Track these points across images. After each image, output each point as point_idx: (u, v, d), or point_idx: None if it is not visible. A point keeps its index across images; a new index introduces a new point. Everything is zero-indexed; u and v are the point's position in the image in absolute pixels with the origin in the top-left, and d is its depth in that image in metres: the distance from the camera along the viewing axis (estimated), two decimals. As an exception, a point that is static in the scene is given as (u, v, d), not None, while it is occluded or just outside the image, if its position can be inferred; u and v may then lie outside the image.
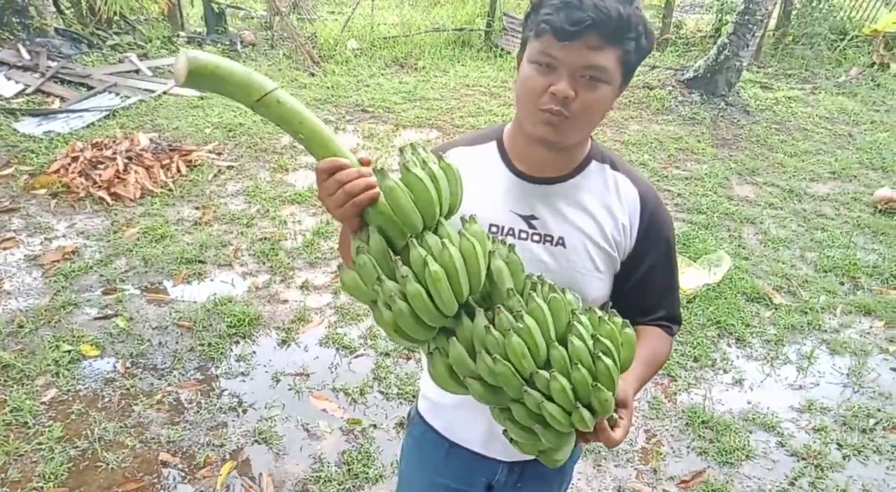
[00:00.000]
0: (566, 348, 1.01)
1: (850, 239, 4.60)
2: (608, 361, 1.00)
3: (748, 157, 5.96)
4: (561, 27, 1.05)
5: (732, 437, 2.86)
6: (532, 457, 1.32)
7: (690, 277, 3.86)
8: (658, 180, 5.30)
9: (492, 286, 1.04)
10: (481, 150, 1.29)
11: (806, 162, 5.94)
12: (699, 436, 2.87)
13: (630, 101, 6.97)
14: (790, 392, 3.18)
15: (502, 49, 8.29)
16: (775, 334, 3.55)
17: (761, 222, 4.78)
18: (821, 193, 5.36)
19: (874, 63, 8.87)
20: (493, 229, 1.22)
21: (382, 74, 7.52)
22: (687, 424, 2.94)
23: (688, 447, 2.82)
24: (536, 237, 1.22)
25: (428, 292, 0.98)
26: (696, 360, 3.32)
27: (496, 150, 1.28)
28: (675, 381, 3.19)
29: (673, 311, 1.36)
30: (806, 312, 3.74)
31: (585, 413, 0.99)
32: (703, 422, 2.93)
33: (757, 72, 8.49)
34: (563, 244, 1.22)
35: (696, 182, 5.33)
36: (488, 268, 1.03)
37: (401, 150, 1.06)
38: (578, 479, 2.62)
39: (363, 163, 1.02)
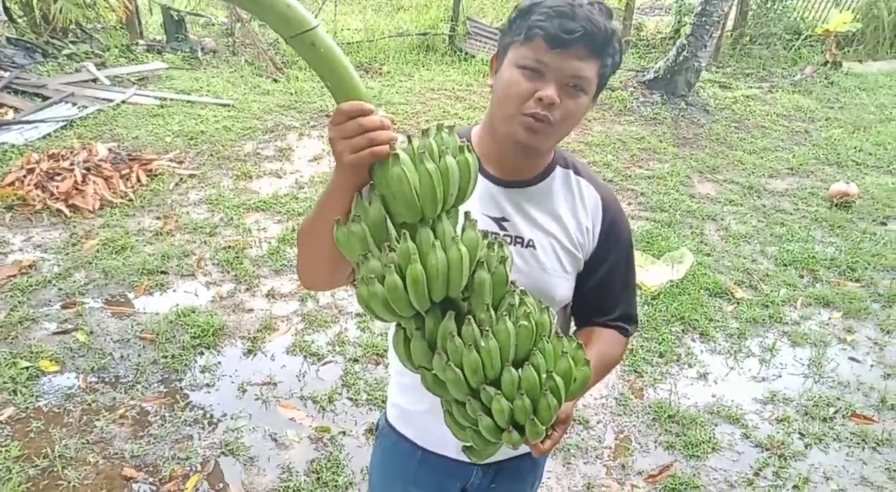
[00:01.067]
0: (519, 374, 1.03)
1: (808, 233, 4.71)
2: (552, 400, 1.02)
3: (709, 155, 6.08)
4: (555, 34, 1.08)
5: (698, 430, 2.91)
6: (505, 457, 1.36)
7: (654, 275, 3.92)
8: (622, 180, 5.37)
9: (472, 294, 1.04)
10: None
11: (764, 159, 6.08)
12: (666, 430, 2.91)
13: (593, 103, 7.06)
14: (753, 384, 3.24)
15: (466, 53, 8.33)
16: (738, 328, 3.62)
17: (722, 219, 4.87)
18: (779, 189, 5.49)
19: (827, 61, 9.13)
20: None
21: (347, 80, 7.49)
22: (654, 419, 2.98)
23: (655, 442, 2.86)
24: (507, 239, 1.24)
25: (405, 285, 0.98)
26: (661, 355, 3.37)
27: None
28: (642, 376, 3.23)
29: (629, 310, 1.39)
30: (767, 306, 3.83)
31: (515, 436, 1.02)
32: (669, 416, 2.97)
33: (716, 72, 8.67)
34: (533, 246, 1.25)
35: (658, 181, 5.41)
36: (472, 276, 1.03)
37: (424, 131, 1.04)
38: (548, 478, 2.64)
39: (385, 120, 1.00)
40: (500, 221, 1.25)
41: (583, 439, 2.85)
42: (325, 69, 0.91)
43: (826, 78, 8.66)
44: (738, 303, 3.85)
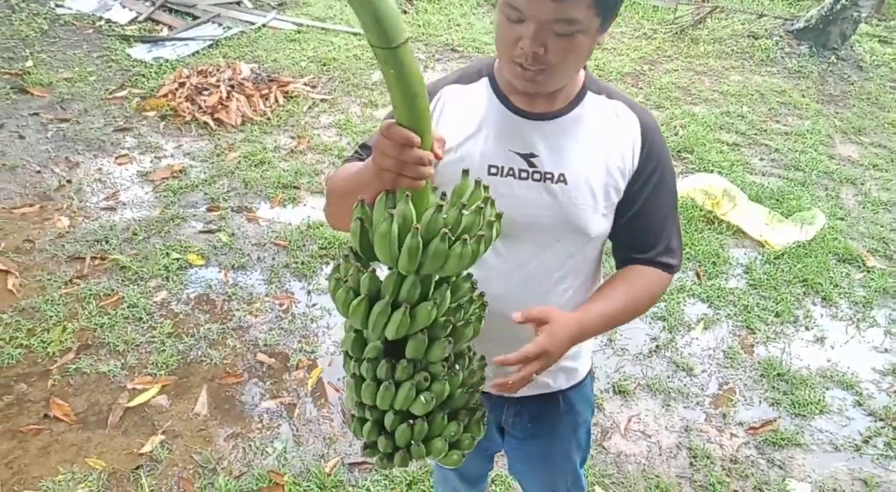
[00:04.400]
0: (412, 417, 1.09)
1: (960, 207, 4.33)
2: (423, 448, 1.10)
3: (856, 115, 5.62)
4: None
5: (808, 391, 2.85)
6: (530, 393, 1.38)
7: (780, 233, 3.76)
8: (755, 133, 5.10)
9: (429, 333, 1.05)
10: (476, 88, 1.24)
11: (921, 124, 5.55)
12: (773, 387, 2.87)
13: (732, 50, 6.65)
14: (875, 354, 3.11)
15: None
16: (864, 297, 3.44)
17: (863, 183, 4.55)
18: (933, 158, 5.02)
19: None
20: (493, 171, 1.19)
21: (474, 13, 7.44)
22: (762, 375, 2.94)
23: (760, 397, 2.83)
24: (537, 176, 1.19)
25: (369, 308, 1.01)
26: (777, 315, 3.28)
27: (488, 86, 1.23)
28: (754, 334, 3.17)
29: (671, 243, 1.29)
30: (901, 278, 3.60)
31: (382, 441, 1.11)
32: (778, 375, 2.93)
33: (877, 25, 7.86)
34: (565, 180, 1.19)
35: (795, 138, 5.09)
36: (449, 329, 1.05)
37: (465, 172, 1.03)
38: (647, 415, 2.70)
39: (437, 144, 0.95)
40: (527, 157, 1.19)
41: (685, 385, 2.87)
42: (401, 85, 0.86)
43: None
44: (869, 271, 3.64)
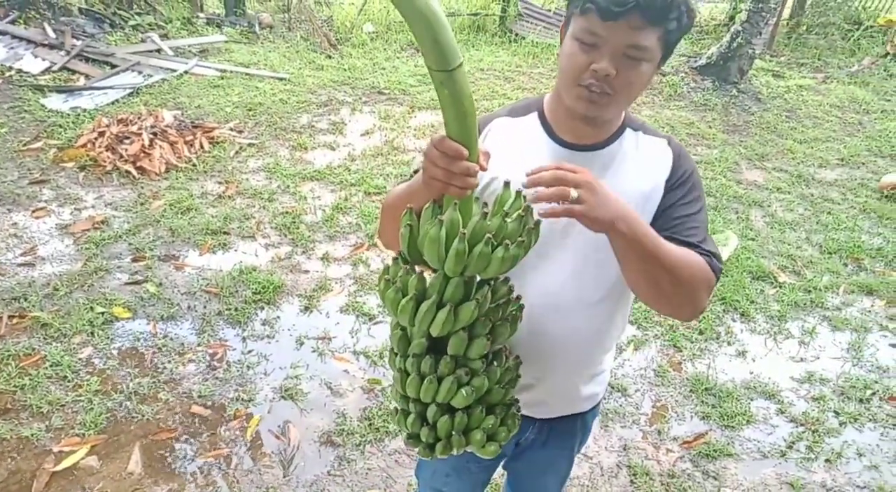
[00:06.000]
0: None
1: (855, 223, 4.70)
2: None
3: (758, 143, 6.05)
4: (606, 7, 1.09)
5: (734, 403, 3.00)
6: (561, 414, 1.49)
7: (698, 255, 3.98)
8: (668, 164, 5.40)
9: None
10: (524, 121, 1.33)
11: (815, 149, 6.02)
12: (702, 402, 3.01)
13: (642, 87, 7.06)
14: (791, 364, 3.31)
15: (517, 34, 8.37)
16: (779, 311, 3.67)
17: (769, 205, 4.88)
18: (828, 179, 5.45)
19: (888, 53, 8.87)
20: None
21: (398, 57, 7.62)
22: (691, 390, 3.07)
23: (691, 412, 2.96)
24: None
25: (416, 308, 1.09)
26: (701, 333, 3.45)
27: (538, 121, 1.32)
28: (681, 351, 3.32)
29: (709, 244, 1.27)
30: (809, 291, 3.86)
31: (425, 432, 1.22)
32: (706, 389, 3.07)
33: (769, 60, 8.53)
34: None
35: (705, 166, 5.42)
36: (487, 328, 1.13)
37: (506, 184, 1.12)
38: (586, 438, 2.77)
39: (482, 157, 1.03)
40: None
41: (620, 405, 2.97)
42: (454, 104, 0.94)
43: (885, 70, 8.43)
44: (781, 287, 3.89)
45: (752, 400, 3.04)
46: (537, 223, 1.09)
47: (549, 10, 8.71)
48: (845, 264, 4.21)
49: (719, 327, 3.52)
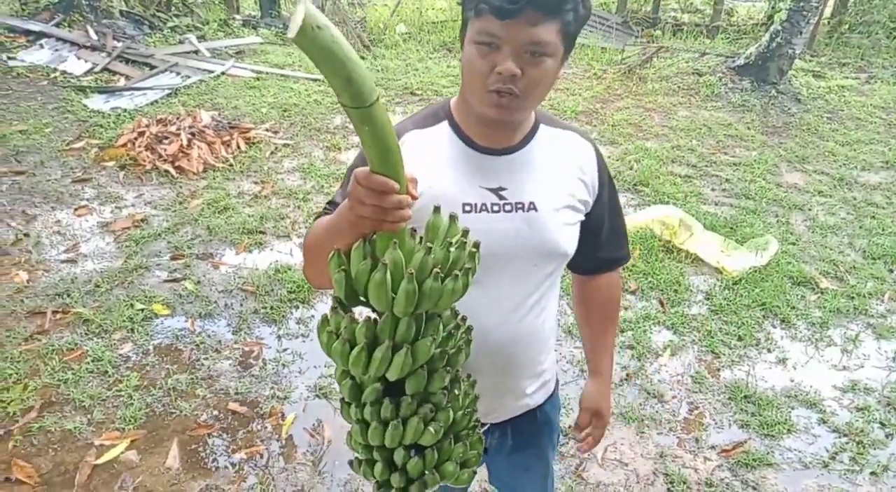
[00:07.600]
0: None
1: (901, 228, 4.56)
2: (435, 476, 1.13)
3: (798, 145, 5.91)
4: (500, 6, 1.05)
5: (774, 411, 2.93)
6: (514, 414, 1.47)
7: (736, 260, 3.90)
8: (706, 165, 5.31)
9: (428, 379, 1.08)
10: (435, 131, 1.28)
11: (858, 151, 5.86)
12: (741, 409, 2.95)
13: (679, 88, 6.95)
14: (834, 372, 3.22)
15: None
16: (821, 317, 3.58)
17: (810, 209, 4.77)
18: (872, 182, 5.30)
19: (934, 53, 8.63)
20: (468, 208, 1.23)
21: (430, 58, 7.63)
22: (729, 398, 3.01)
23: (730, 420, 2.90)
24: (508, 207, 1.24)
25: (369, 356, 1.02)
26: (739, 338, 3.38)
27: (450, 129, 1.28)
28: (719, 358, 3.26)
29: (625, 248, 1.50)
30: (853, 297, 3.76)
31: (395, 478, 1.13)
32: (745, 397, 3.00)
33: (810, 60, 8.34)
34: (535, 208, 1.25)
35: (744, 168, 5.32)
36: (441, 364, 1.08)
37: (436, 208, 1.04)
38: (622, 443, 2.73)
39: (411, 185, 0.95)
40: (497, 191, 1.25)
41: (657, 412, 2.92)
42: (377, 140, 0.88)
43: (931, 70, 8.20)
44: (823, 293, 3.79)
45: (792, 409, 2.97)
46: (477, 245, 1.04)
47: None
48: (890, 270, 4.08)
49: (759, 334, 3.44)
